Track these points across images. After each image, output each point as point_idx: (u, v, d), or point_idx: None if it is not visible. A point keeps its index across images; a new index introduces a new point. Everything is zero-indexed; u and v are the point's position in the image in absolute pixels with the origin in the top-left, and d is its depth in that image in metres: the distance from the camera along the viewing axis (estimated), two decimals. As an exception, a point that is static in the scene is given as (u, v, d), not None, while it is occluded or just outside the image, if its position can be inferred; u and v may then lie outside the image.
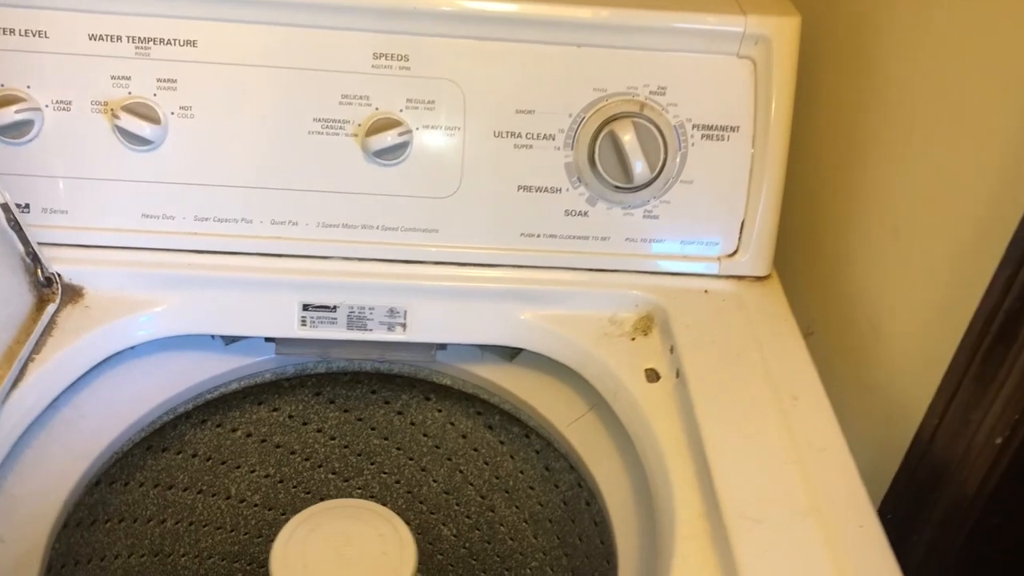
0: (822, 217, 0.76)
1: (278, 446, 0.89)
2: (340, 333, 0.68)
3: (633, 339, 0.68)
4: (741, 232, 0.70)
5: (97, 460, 0.64)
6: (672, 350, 0.65)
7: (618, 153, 0.65)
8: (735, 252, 0.70)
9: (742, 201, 0.69)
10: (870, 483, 0.55)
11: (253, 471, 0.89)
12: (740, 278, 0.70)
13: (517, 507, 0.89)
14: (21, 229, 0.61)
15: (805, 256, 0.79)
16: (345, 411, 0.88)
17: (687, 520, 0.54)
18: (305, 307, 0.68)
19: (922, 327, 0.61)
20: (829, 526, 0.52)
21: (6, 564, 0.57)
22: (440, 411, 0.87)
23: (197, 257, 0.67)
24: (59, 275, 0.65)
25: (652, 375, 0.65)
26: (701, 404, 0.59)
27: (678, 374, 0.63)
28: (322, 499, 0.95)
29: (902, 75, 0.65)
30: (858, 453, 0.57)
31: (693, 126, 0.67)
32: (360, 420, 0.89)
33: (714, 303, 0.68)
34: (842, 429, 0.59)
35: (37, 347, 0.62)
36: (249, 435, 0.86)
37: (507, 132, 0.67)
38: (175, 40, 0.63)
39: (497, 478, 0.89)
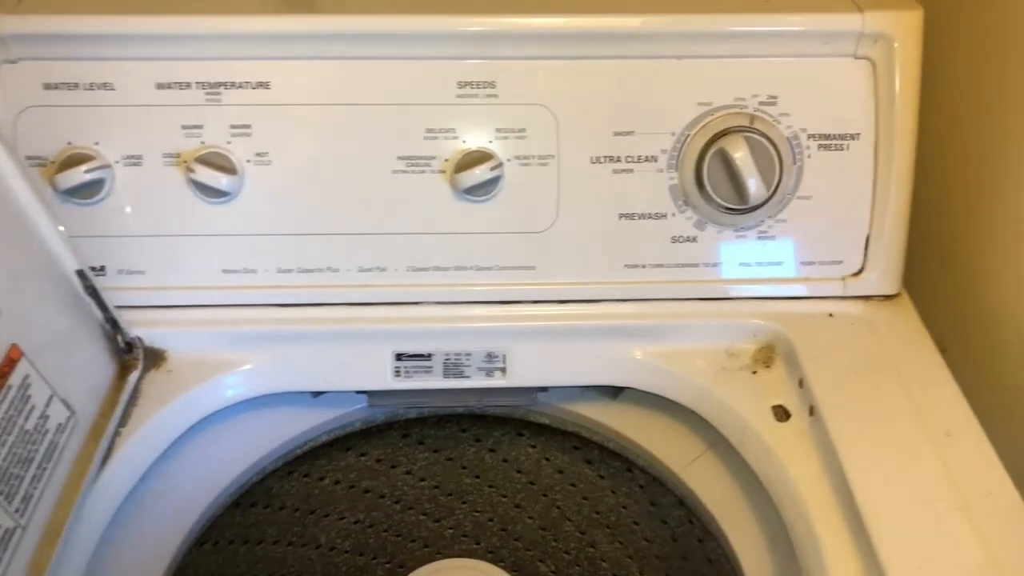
0: (955, 225, 0.70)
1: (367, 491, 0.85)
2: (436, 382, 0.64)
3: (754, 372, 0.62)
4: (867, 248, 0.64)
5: (190, 533, 0.61)
6: (801, 384, 0.59)
7: (729, 172, 0.60)
8: (861, 270, 0.64)
9: (866, 214, 0.63)
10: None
11: (342, 518, 0.86)
12: (867, 298, 0.65)
13: (621, 543, 0.85)
14: (98, 295, 0.58)
15: (935, 268, 0.72)
16: (435, 451, 0.84)
17: (845, 583, 0.49)
18: (399, 356, 0.64)
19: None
20: (1013, 586, 0.46)
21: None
22: (534, 447, 0.83)
23: (282, 311, 0.63)
24: (140, 339, 0.61)
25: (781, 413, 0.59)
26: (844, 445, 0.54)
27: (812, 411, 0.58)
28: (413, 541, 0.91)
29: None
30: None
31: (809, 136, 0.62)
32: (450, 460, 0.85)
33: (841, 327, 0.63)
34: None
35: (123, 419, 0.58)
36: (337, 482, 0.83)
37: (605, 157, 0.62)
38: (247, 83, 0.60)
39: (597, 513, 0.85)
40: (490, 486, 0.87)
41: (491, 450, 0.84)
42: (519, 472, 0.85)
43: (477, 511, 0.90)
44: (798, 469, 0.55)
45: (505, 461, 0.85)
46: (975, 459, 0.53)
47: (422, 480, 0.86)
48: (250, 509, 0.77)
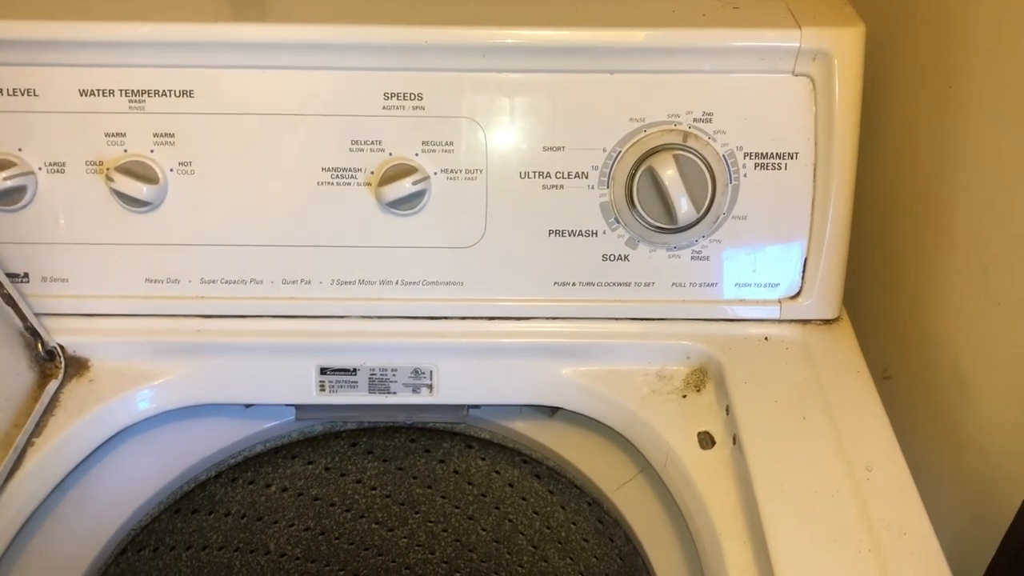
0: (898, 250, 0.67)
1: (316, 499, 0.84)
2: (362, 397, 0.63)
3: (684, 396, 0.61)
4: (804, 271, 0.62)
5: (107, 547, 0.60)
6: (728, 411, 0.58)
7: (659, 191, 0.58)
8: (798, 294, 0.62)
9: (804, 236, 0.61)
10: (959, 572, 0.48)
11: (291, 525, 0.85)
12: (805, 322, 0.63)
13: (571, 558, 0.83)
14: (16, 303, 0.58)
15: (880, 292, 0.70)
16: (384, 461, 0.83)
17: (745, 623, 0.47)
18: (323, 371, 0.63)
19: (1020, 387, 0.53)
20: (914, 635, 0.45)
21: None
22: (484, 459, 0.81)
23: (205, 322, 0.62)
24: (62, 347, 0.61)
25: (706, 440, 0.58)
26: (761, 478, 0.52)
27: (735, 440, 0.56)
28: (366, 550, 0.90)
29: (992, 84, 0.56)
30: (943, 530, 0.49)
31: (745, 155, 0.59)
32: (401, 469, 0.84)
33: (775, 353, 0.61)
34: (924, 497, 0.51)
35: (37, 429, 0.58)
36: (285, 489, 0.82)
37: (534, 172, 0.60)
38: (170, 91, 0.59)
39: (548, 528, 0.83)
40: (442, 497, 0.86)
41: (441, 461, 0.82)
42: (470, 484, 0.84)
43: (430, 521, 0.89)
44: (715, 500, 0.54)
45: (456, 472, 0.83)
46: (894, 497, 0.51)
47: (373, 489, 0.85)
48: (192, 516, 0.76)
